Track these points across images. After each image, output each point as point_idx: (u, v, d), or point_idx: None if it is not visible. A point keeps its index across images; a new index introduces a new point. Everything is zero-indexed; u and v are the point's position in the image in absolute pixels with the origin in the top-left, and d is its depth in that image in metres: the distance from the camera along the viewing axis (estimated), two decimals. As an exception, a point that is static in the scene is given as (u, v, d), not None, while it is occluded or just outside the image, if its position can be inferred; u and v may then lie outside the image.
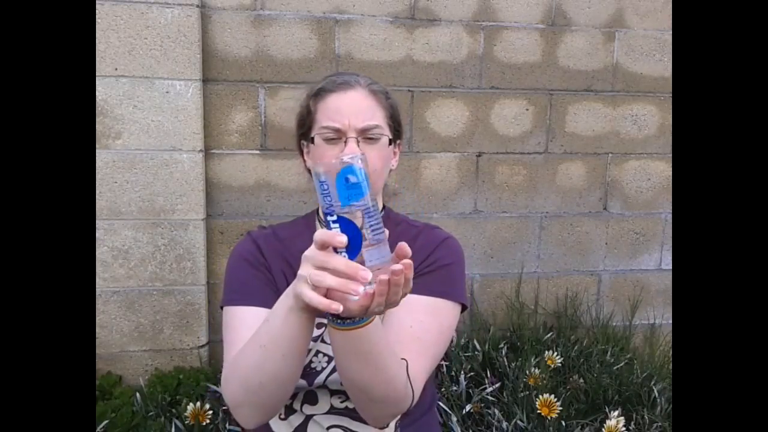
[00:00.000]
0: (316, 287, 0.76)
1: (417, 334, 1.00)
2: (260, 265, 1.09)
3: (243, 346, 0.94)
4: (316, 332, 1.06)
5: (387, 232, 0.77)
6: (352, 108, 1.05)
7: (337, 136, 1.05)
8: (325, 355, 1.05)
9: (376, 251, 0.75)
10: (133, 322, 2.13)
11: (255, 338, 0.92)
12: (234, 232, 2.25)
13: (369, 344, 0.85)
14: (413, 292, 1.00)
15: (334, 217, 0.74)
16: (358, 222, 0.74)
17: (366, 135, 1.05)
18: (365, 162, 0.75)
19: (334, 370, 1.04)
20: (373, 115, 1.07)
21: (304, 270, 0.77)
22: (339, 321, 0.81)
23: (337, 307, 0.75)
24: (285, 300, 0.86)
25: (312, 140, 1.08)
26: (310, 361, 1.05)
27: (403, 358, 0.94)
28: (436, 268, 1.07)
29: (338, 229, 0.74)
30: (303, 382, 1.05)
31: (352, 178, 0.73)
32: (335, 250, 0.75)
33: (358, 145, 1.04)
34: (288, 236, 1.16)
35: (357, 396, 0.94)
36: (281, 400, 0.97)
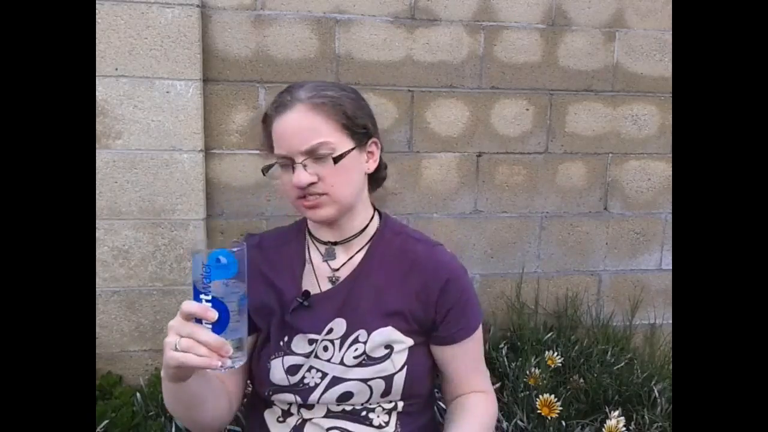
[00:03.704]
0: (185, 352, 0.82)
1: (478, 361, 1.18)
2: None
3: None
4: (308, 348, 1.05)
5: (246, 317, 0.88)
6: (292, 130, 1.00)
7: (289, 163, 1.01)
8: (318, 371, 1.04)
9: (242, 325, 0.87)
10: (133, 322, 2.13)
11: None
12: (234, 232, 2.25)
13: None
14: (456, 339, 1.10)
15: (209, 297, 0.83)
16: (227, 298, 0.84)
17: (314, 156, 1.00)
18: (242, 252, 0.85)
19: (328, 387, 1.03)
20: (317, 133, 1.00)
21: (171, 338, 0.83)
22: None
23: (216, 363, 0.82)
24: (163, 371, 0.89)
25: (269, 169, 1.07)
26: (303, 377, 1.04)
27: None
28: (462, 307, 1.10)
29: (210, 306, 0.83)
30: (298, 399, 1.04)
31: (223, 260, 0.83)
32: (199, 321, 0.83)
33: (305, 169, 0.99)
34: (273, 245, 1.14)
35: None
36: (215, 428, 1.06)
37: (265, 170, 1.07)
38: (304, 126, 0.99)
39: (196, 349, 0.81)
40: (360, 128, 1.05)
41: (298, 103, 1.00)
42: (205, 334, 0.82)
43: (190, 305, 0.83)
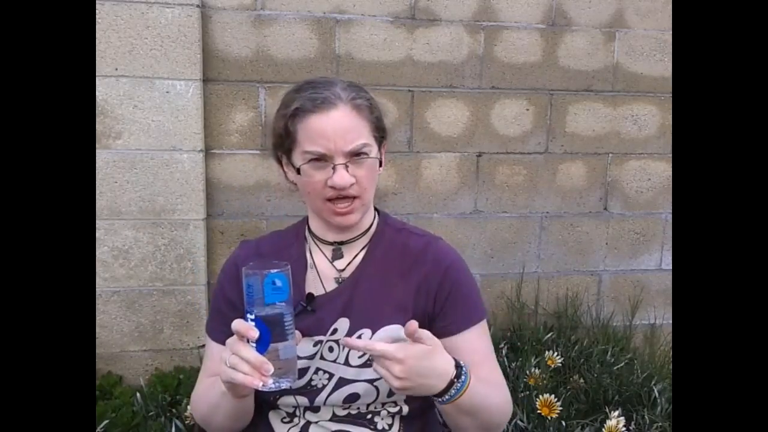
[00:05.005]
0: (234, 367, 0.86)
1: (485, 356, 1.09)
2: (230, 302, 1.08)
3: (201, 389, 1.09)
4: (313, 350, 1.04)
5: (298, 334, 0.92)
6: (336, 129, 0.96)
7: (323, 159, 0.98)
8: (325, 372, 1.04)
9: (289, 346, 0.89)
10: (133, 322, 2.13)
11: (207, 393, 1.05)
12: (234, 232, 2.25)
13: (479, 394, 0.96)
14: (454, 330, 1.06)
15: (253, 316, 0.86)
16: (274, 319, 0.87)
17: (354, 157, 0.99)
18: (289, 272, 0.88)
19: (335, 388, 1.03)
20: (360, 134, 0.99)
21: (225, 354, 0.88)
22: (445, 398, 0.92)
23: (257, 382, 0.84)
24: (219, 382, 0.93)
25: (298, 171, 1.02)
26: (310, 379, 1.03)
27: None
28: (461, 297, 1.08)
29: (254, 325, 0.86)
30: (304, 400, 1.04)
31: (278, 282, 0.86)
32: (248, 340, 0.87)
33: (347, 169, 0.98)
34: (272, 250, 1.12)
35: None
36: None
37: (299, 169, 1.02)
38: (349, 126, 0.98)
39: (240, 365, 0.85)
40: (382, 131, 1.06)
41: (341, 103, 0.98)
42: (246, 351, 0.85)
43: (235, 323, 0.86)
